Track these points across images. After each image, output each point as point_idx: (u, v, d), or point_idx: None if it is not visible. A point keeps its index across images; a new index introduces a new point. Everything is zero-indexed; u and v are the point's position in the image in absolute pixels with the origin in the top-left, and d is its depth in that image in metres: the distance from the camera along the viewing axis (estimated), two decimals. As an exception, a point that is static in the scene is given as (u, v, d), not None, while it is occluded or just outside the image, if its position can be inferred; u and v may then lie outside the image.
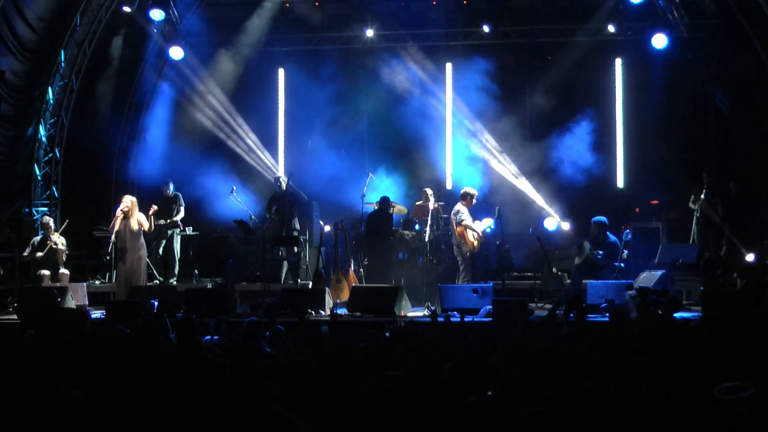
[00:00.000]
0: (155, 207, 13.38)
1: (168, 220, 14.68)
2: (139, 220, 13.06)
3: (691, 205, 13.97)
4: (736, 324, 7.65)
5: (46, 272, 13.64)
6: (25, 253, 13.71)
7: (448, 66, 16.88)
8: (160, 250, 14.95)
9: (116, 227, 12.94)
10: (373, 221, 14.32)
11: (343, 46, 16.99)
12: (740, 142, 16.04)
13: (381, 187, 15.61)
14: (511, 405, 4.28)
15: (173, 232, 14.81)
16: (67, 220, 14.40)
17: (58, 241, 13.79)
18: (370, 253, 14.35)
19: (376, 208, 14.54)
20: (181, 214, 14.85)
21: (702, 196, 13.71)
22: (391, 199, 14.71)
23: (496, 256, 14.24)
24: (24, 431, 4.31)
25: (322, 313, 12.31)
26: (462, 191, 13.73)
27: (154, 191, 15.28)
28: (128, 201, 13.13)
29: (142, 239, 13.23)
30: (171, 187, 15.01)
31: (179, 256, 14.95)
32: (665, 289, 10.01)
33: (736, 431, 3.93)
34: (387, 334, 7.98)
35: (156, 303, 11.58)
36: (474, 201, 13.61)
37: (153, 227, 13.37)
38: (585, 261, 13.45)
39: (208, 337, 8.41)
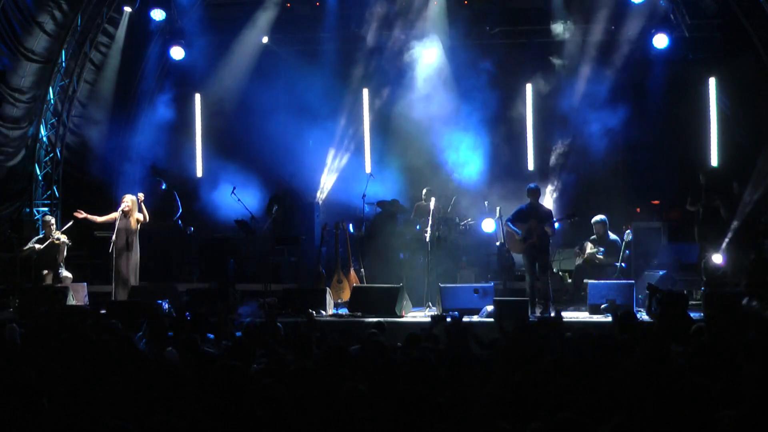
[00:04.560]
0: (141, 195, 13.35)
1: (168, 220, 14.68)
2: (138, 219, 13.09)
3: (688, 207, 13.96)
4: (737, 324, 7.66)
5: (48, 272, 13.63)
6: (25, 248, 13.71)
7: (449, 66, 16.86)
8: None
9: (116, 225, 12.97)
10: (378, 222, 14.39)
11: (343, 47, 16.99)
12: (741, 142, 16.03)
13: (381, 187, 15.60)
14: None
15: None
16: (72, 221, 14.39)
17: (61, 237, 13.80)
18: (372, 253, 14.38)
19: (381, 209, 14.60)
20: (179, 211, 14.84)
21: (702, 196, 13.70)
22: (388, 199, 14.73)
23: (497, 256, 14.24)
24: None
25: (323, 313, 12.34)
26: None
27: (154, 191, 15.30)
28: (128, 200, 13.16)
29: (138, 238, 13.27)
30: (164, 186, 15.01)
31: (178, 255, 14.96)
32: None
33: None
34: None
35: (165, 304, 11.64)
36: (532, 196, 12.72)
37: (148, 217, 13.37)
38: (585, 261, 13.47)
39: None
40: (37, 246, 13.67)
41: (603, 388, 4.73)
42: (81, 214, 13.16)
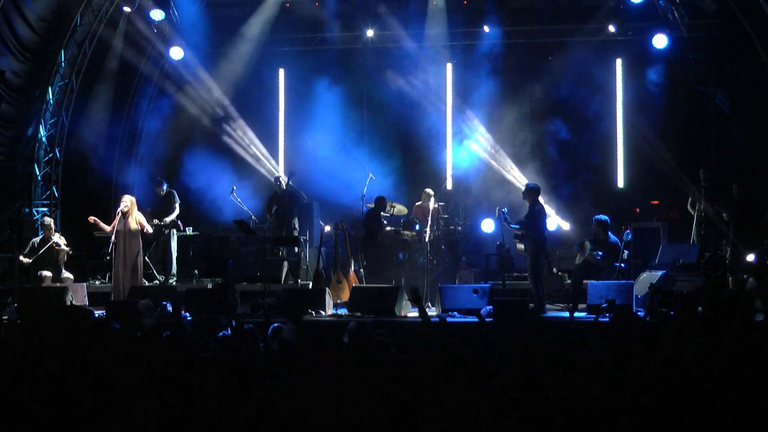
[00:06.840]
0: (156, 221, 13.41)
1: (167, 220, 14.63)
2: (139, 221, 13.06)
3: (689, 208, 13.92)
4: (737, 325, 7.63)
5: (48, 273, 13.63)
6: (21, 257, 13.64)
7: (449, 66, 16.89)
8: (155, 250, 14.95)
9: (115, 227, 12.96)
10: (365, 221, 14.41)
11: (343, 46, 17.00)
12: (740, 142, 16.04)
13: (381, 187, 15.60)
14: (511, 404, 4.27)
15: (169, 231, 14.80)
16: (61, 236, 14.28)
17: (60, 241, 13.78)
18: (366, 253, 14.37)
19: (370, 207, 14.60)
20: (177, 212, 14.81)
21: (702, 195, 13.69)
22: (388, 199, 14.69)
23: (496, 257, 14.23)
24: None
25: (323, 313, 12.33)
26: None
27: (153, 191, 15.28)
28: (127, 201, 13.13)
29: (140, 239, 13.22)
30: (164, 186, 15.01)
31: (176, 255, 14.92)
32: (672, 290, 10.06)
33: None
34: None
35: (169, 304, 11.60)
36: (527, 195, 12.68)
37: (152, 231, 13.40)
38: (585, 261, 13.45)
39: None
40: (26, 260, 13.62)
41: (604, 389, 4.72)
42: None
